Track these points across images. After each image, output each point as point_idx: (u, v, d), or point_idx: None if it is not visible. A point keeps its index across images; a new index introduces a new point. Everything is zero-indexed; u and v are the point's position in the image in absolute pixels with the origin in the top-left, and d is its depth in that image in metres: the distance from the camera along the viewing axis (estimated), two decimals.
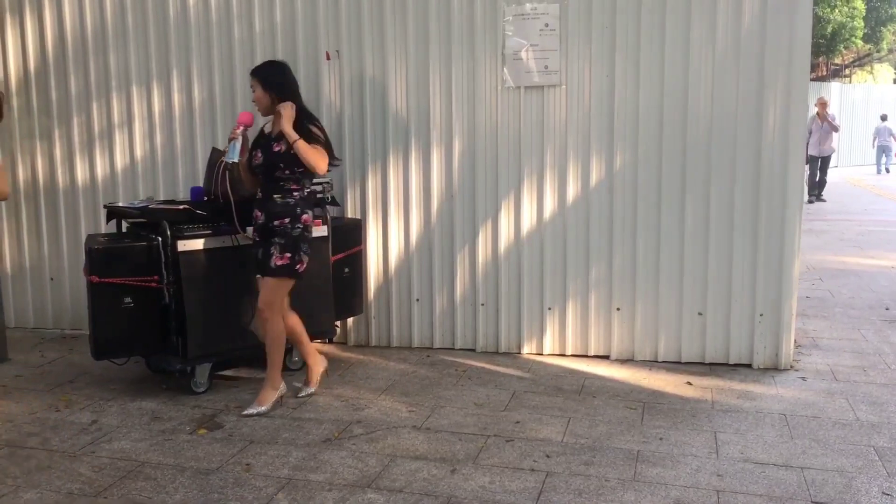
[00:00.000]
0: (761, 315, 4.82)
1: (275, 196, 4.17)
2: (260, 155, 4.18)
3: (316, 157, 4.09)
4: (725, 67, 4.69)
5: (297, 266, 4.18)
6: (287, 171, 4.14)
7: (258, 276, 4.26)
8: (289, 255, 4.15)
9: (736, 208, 4.78)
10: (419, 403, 4.37)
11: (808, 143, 12.25)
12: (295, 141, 4.05)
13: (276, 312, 4.19)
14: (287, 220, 4.16)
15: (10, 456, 3.74)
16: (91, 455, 3.74)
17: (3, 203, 5.86)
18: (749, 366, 4.87)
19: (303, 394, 4.45)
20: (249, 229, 4.39)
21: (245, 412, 4.19)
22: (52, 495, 3.35)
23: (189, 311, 4.36)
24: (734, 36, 4.66)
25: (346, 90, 5.22)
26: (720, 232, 4.82)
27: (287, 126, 4.06)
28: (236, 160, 4.13)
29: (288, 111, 4.08)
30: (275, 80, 4.17)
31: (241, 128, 4.14)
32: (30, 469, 3.60)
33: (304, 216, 4.20)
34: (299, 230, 4.18)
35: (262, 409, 4.21)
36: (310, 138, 4.11)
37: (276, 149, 4.13)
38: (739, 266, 4.82)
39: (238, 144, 4.12)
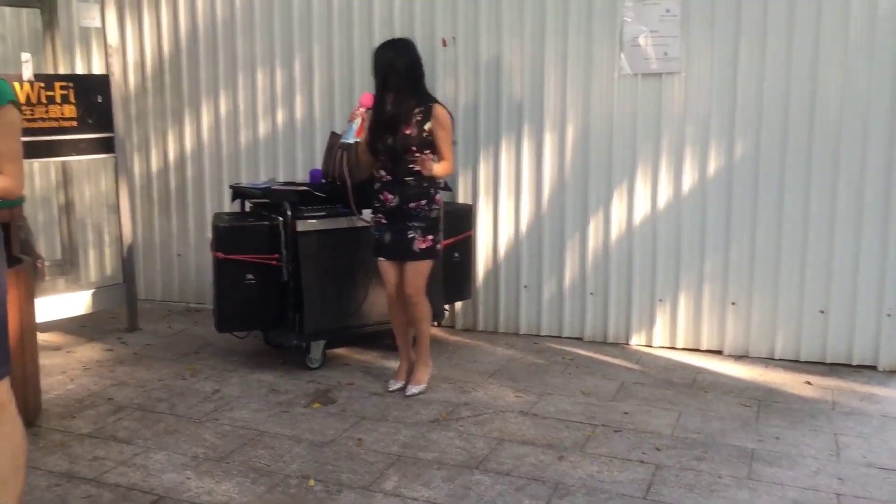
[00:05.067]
0: (888, 315, 4.59)
1: (407, 179, 4.15)
2: (388, 138, 4.12)
3: (448, 168, 4.22)
4: (859, 53, 4.47)
5: (438, 246, 4.26)
6: (417, 154, 4.14)
7: (381, 258, 4.27)
8: (430, 237, 4.19)
9: (865, 202, 4.56)
10: (526, 389, 4.39)
11: None
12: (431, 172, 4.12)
13: (423, 294, 4.23)
14: (424, 201, 4.18)
15: (141, 419, 3.99)
16: (214, 422, 3.94)
17: (136, 182, 6.20)
18: (874, 368, 4.65)
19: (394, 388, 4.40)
20: (366, 212, 4.50)
21: (408, 393, 4.27)
22: (179, 457, 3.55)
23: (306, 289, 4.52)
24: (869, 19, 4.43)
25: (461, 76, 5.26)
26: (847, 226, 4.61)
27: (432, 169, 4.11)
28: (351, 141, 4.15)
29: (428, 166, 4.10)
30: (411, 59, 4.14)
31: (362, 109, 4.15)
32: (159, 432, 3.83)
33: (437, 196, 4.26)
34: (436, 211, 4.24)
35: (423, 386, 4.32)
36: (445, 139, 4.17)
37: (408, 132, 4.11)
38: (867, 263, 4.60)
39: (356, 126, 4.14)
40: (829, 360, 4.74)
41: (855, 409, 4.10)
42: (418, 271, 4.20)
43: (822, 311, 4.72)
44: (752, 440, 3.72)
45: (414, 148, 4.13)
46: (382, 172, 4.21)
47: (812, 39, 4.54)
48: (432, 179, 4.23)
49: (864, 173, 4.54)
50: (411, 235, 4.17)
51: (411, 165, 4.15)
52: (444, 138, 4.16)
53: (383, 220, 4.23)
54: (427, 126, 4.12)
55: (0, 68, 6.19)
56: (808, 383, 4.46)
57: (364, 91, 5.38)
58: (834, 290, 4.68)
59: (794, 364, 4.76)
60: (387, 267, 4.27)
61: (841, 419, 3.97)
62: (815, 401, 4.21)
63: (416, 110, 4.13)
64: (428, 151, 4.15)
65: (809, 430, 3.83)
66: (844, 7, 4.46)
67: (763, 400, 4.22)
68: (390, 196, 4.18)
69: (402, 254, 4.19)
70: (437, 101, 4.22)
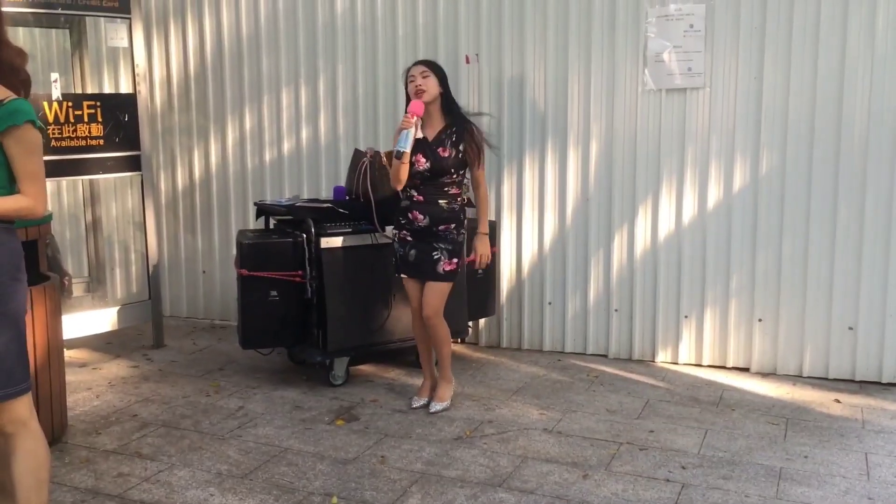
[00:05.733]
0: None
1: (440, 201, 4.13)
2: (424, 160, 4.08)
3: (486, 192, 4.32)
4: (885, 67, 4.43)
5: (460, 269, 4.23)
6: (454, 176, 4.14)
7: (404, 276, 4.25)
8: (456, 260, 4.17)
9: (894, 216, 4.49)
10: (550, 406, 4.35)
11: None
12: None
13: (441, 316, 4.21)
14: (453, 225, 4.16)
15: (165, 435, 4.00)
16: (238, 439, 3.95)
17: (162, 199, 6.27)
18: None
19: (417, 405, 4.38)
20: (390, 228, 4.51)
21: (432, 410, 4.25)
22: (203, 474, 3.56)
23: (330, 305, 4.53)
24: (895, 31, 4.40)
25: (485, 92, 5.27)
26: (875, 241, 4.55)
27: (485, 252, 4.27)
28: (408, 150, 3.99)
29: (486, 250, 4.26)
30: (445, 76, 4.17)
31: (415, 118, 3.98)
32: (183, 448, 3.84)
33: (465, 221, 4.24)
34: (463, 235, 4.22)
35: (446, 403, 4.30)
36: (479, 154, 4.18)
37: (445, 154, 4.09)
38: None
39: (411, 134, 3.96)
40: (858, 378, 4.67)
41: (885, 427, 4.02)
42: (438, 293, 4.18)
43: (851, 328, 4.65)
44: (779, 459, 3.67)
45: (452, 170, 4.13)
46: (413, 192, 4.16)
47: (838, 52, 4.50)
48: (462, 203, 4.22)
49: (893, 187, 4.48)
50: (437, 256, 4.15)
51: (446, 188, 4.14)
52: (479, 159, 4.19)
53: (408, 238, 4.21)
54: (462, 146, 4.12)
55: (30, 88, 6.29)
56: (837, 401, 4.39)
57: (386, 109, 5.49)
58: (862, 306, 4.61)
59: (823, 381, 4.69)
60: (409, 284, 4.27)
61: (871, 438, 3.90)
62: (845, 419, 4.14)
63: (450, 130, 4.14)
64: (463, 172, 4.17)
65: (839, 449, 3.77)
66: (870, 19, 4.42)
67: (791, 418, 4.16)
68: (420, 216, 4.14)
69: (426, 273, 4.18)
70: (469, 120, 4.21)
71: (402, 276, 4.26)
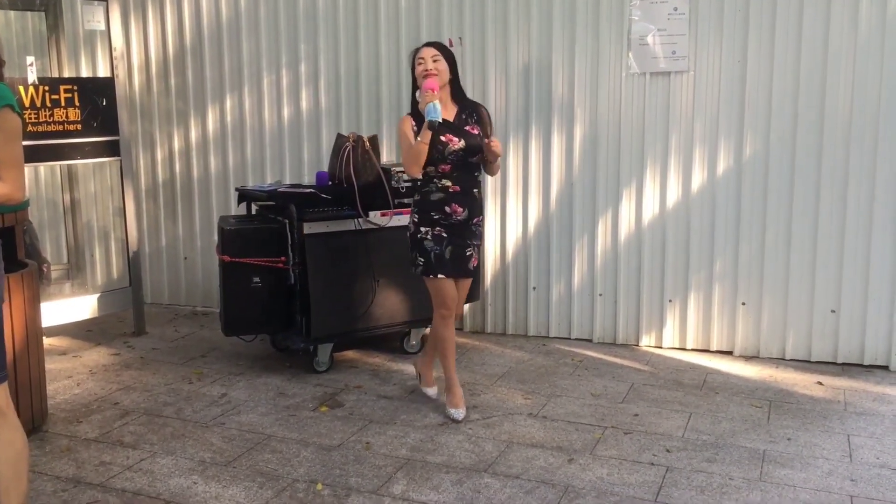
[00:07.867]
0: None
1: (474, 191, 3.87)
2: (457, 139, 3.78)
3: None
4: (868, 52, 4.43)
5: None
6: (481, 156, 3.88)
7: (441, 276, 3.86)
8: (478, 253, 4.05)
9: (876, 201, 4.51)
10: (535, 391, 4.35)
11: None
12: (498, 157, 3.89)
13: None
14: (482, 217, 3.98)
15: (148, 423, 3.97)
16: (221, 426, 3.92)
17: (142, 185, 6.19)
18: (886, 367, 4.61)
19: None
20: (373, 214, 4.47)
21: (461, 417, 3.99)
22: (186, 462, 3.53)
23: (313, 292, 4.49)
24: (879, 17, 4.39)
25: (469, 76, 5.22)
26: (857, 224, 4.57)
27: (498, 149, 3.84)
28: (440, 119, 3.69)
29: (499, 148, 3.84)
30: (455, 61, 3.93)
31: (436, 91, 3.73)
32: (166, 436, 3.81)
33: None
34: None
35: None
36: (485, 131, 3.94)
37: (475, 132, 3.84)
38: (877, 261, 4.55)
39: (439, 106, 3.68)
40: (840, 360, 4.70)
41: (867, 409, 4.05)
42: (468, 288, 4.09)
43: (833, 311, 4.67)
44: (763, 441, 3.68)
45: (482, 151, 3.85)
46: (448, 182, 3.81)
47: (821, 35, 4.50)
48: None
49: (875, 170, 4.50)
50: (469, 253, 3.94)
51: (476, 174, 3.90)
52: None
53: (444, 234, 3.86)
54: (482, 126, 3.92)
55: (5, 72, 6.18)
56: (820, 384, 4.42)
57: (368, 95, 5.45)
58: (845, 289, 4.64)
59: (806, 364, 4.72)
60: (447, 284, 3.90)
61: (853, 419, 3.92)
62: (827, 401, 4.17)
63: (467, 111, 3.93)
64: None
65: (821, 431, 3.79)
66: (854, 4, 4.42)
67: (774, 401, 4.18)
68: (460, 209, 3.83)
69: (463, 271, 3.94)
70: (479, 103, 4.05)
71: (440, 276, 3.87)
